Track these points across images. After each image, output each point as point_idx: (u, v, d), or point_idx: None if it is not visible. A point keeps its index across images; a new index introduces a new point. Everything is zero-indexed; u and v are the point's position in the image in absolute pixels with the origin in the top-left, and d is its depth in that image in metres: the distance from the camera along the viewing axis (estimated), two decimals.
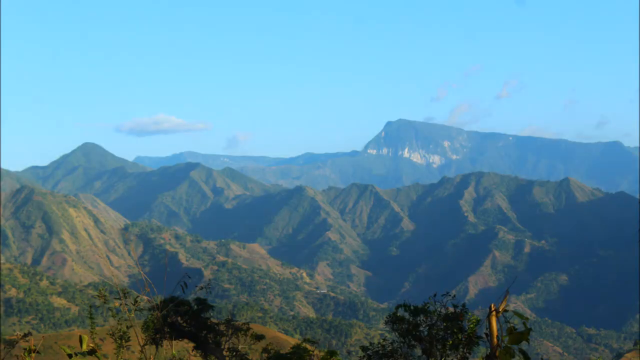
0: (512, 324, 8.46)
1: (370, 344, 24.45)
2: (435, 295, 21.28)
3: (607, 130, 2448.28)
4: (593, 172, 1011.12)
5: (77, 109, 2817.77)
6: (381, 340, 23.71)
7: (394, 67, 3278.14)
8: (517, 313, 8.26)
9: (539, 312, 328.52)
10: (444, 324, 20.69)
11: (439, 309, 21.13)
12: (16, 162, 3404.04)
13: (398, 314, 22.35)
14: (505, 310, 8.98)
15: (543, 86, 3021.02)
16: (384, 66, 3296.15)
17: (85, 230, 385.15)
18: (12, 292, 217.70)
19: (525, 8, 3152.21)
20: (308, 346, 39.30)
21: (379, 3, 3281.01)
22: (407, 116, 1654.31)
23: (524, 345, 8.20)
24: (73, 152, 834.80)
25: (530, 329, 8.17)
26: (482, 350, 19.55)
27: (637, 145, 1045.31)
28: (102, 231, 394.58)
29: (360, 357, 24.14)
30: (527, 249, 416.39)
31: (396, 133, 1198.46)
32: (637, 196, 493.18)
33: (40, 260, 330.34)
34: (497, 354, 8.64)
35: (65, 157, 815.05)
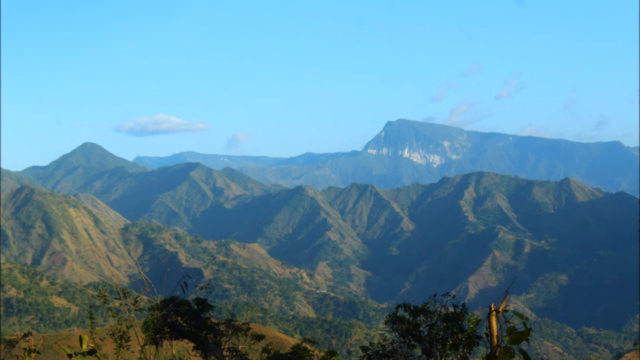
0: (512, 324, 8.46)
1: (370, 344, 24.45)
2: (435, 295, 21.28)
3: (607, 130, 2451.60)
4: (593, 172, 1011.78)
5: (77, 109, 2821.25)
6: (381, 340, 23.71)
7: (394, 67, 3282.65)
8: (517, 313, 8.26)
9: (539, 312, 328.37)
10: (444, 324, 20.68)
11: (439, 309, 21.12)
12: (16, 162, 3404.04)
13: (398, 314, 22.35)
14: (505, 310, 8.98)
15: (543, 86, 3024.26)
16: (384, 66, 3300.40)
17: (85, 230, 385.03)
18: (12, 292, 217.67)
19: (525, 8, 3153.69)
20: (308, 346, 39.30)
21: (379, 3, 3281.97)
22: (407, 116, 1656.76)
23: (524, 345, 8.20)
24: (73, 152, 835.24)
25: (530, 329, 8.17)
26: (482, 350, 19.56)
27: (637, 145, 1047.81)
28: (102, 231, 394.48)
29: (360, 357, 24.14)
30: (527, 249, 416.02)
31: (396, 133, 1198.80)
32: (637, 196, 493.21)
33: (40, 260, 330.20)
34: (497, 354, 8.64)
35: (65, 157, 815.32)
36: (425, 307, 21.72)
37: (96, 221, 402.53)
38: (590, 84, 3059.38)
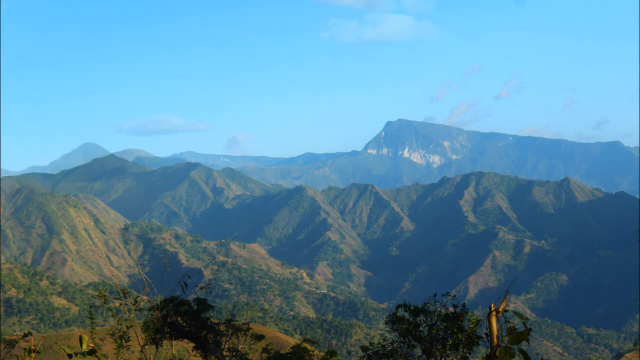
0: (512, 324, 8.46)
1: (370, 344, 24.45)
2: (435, 295, 21.27)
3: (607, 130, 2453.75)
4: (593, 172, 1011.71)
5: (77, 109, 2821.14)
6: (381, 340, 23.70)
7: (394, 67, 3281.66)
8: (517, 313, 8.26)
9: (539, 312, 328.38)
10: (444, 324, 20.67)
11: (439, 309, 21.11)
12: (16, 162, 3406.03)
13: (398, 314, 22.34)
14: (505, 310, 8.98)
15: (543, 86, 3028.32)
16: (384, 66, 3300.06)
17: (85, 230, 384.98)
18: (12, 292, 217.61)
19: (525, 8, 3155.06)
20: (308, 346, 39.29)
21: (379, 3, 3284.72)
22: (407, 116, 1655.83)
23: (524, 345, 8.21)
24: (73, 152, 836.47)
25: (530, 329, 8.18)
26: (482, 350, 19.54)
27: (637, 145, 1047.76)
28: (102, 231, 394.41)
29: (360, 357, 24.13)
30: (527, 249, 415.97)
31: (396, 133, 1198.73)
32: (637, 196, 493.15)
33: (40, 260, 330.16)
34: (497, 354, 8.64)
35: (65, 157, 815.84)
36: (425, 307, 21.71)
37: (96, 221, 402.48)
38: (590, 84, 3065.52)
